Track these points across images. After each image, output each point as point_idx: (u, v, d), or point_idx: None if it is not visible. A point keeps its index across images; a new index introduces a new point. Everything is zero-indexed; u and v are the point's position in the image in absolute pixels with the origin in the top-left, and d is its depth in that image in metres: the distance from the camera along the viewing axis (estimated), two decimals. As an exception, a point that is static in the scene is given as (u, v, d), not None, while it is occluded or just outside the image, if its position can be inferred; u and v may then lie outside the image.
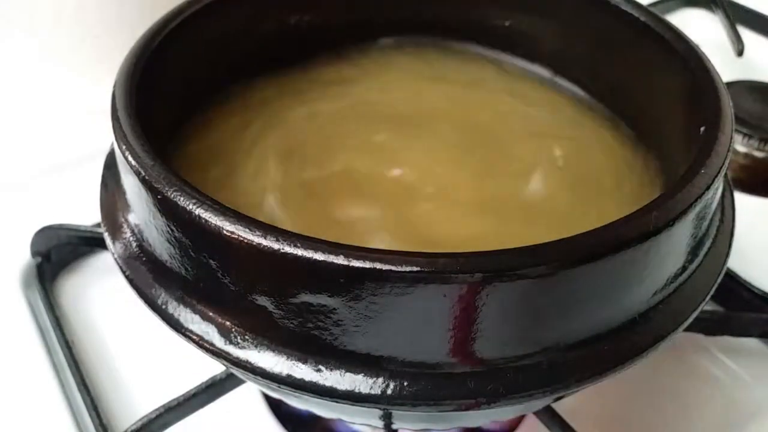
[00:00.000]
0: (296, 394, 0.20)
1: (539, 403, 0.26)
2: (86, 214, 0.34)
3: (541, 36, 0.33)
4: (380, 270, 0.18)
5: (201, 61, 0.30)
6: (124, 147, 0.22)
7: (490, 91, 0.32)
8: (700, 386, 0.33)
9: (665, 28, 0.28)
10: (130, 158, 0.21)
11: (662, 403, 0.32)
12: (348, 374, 0.20)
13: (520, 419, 0.32)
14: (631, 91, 0.30)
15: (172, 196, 0.20)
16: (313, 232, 0.19)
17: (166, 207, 0.20)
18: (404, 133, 0.29)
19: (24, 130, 0.45)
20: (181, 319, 0.21)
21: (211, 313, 0.21)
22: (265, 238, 0.18)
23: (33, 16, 0.44)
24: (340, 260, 0.18)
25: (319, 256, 0.18)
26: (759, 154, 0.42)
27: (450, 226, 0.25)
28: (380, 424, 0.24)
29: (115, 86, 0.24)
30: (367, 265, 0.18)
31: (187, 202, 0.20)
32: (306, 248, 0.18)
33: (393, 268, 0.18)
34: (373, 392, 0.20)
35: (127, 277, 0.23)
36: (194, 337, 0.21)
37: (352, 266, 0.18)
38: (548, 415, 0.28)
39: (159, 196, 0.20)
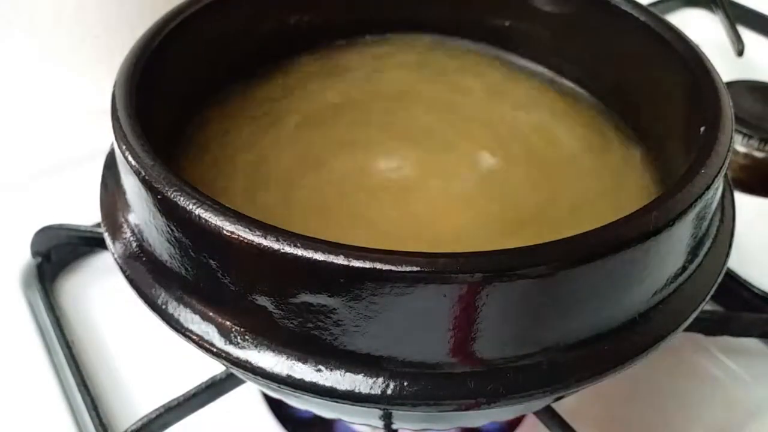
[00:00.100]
0: (296, 394, 0.20)
1: (539, 403, 0.26)
2: (86, 214, 0.34)
3: (540, 36, 0.33)
4: (380, 270, 0.18)
5: (201, 61, 0.30)
6: (124, 147, 0.22)
7: (489, 90, 0.32)
8: (700, 386, 0.33)
9: (665, 28, 0.28)
10: (130, 158, 0.21)
11: (662, 403, 0.32)
12: (348, 374, 0.20)
13: (520, 419, 0.32)
14: (631, 91, 0.30)
15: (172, 196, 0.20)
16: (312, 228, 0.19)
17: (166, 207, 0.20)
18: (402, 131, 0.30)
19: (24, 130, 0.45)
20: (181, 319, 0.21)
21: (211, 313, 0.21)
22: (265, 238, 0.18)
23: (33, 16, 0.44)
24: (340, 260, 0.18)
25: (319, 256, 0.18)
26: (759, 154, 0.42)
27: (447, 220, 0.25)
28: (380, 424, 0.24)
29: (115, 86, 0.24)
30: (367, 265, 0.18)
31: (187, 202, 0.20)
32: (306, 248, 0.18)
33: (393, 268, 0.18)
34: (373, 392, 0.20)
35: (127, 277, 0.23)
36: (194, 337, 0.21)
37: (352, 266, 0.18)
38: (548, 415, 0.28)
39: (159, 196, 0.20)
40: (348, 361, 0.20)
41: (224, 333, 0.21)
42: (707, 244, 0.23)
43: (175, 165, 0.27)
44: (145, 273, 0.22)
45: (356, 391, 0.20)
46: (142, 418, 0.28)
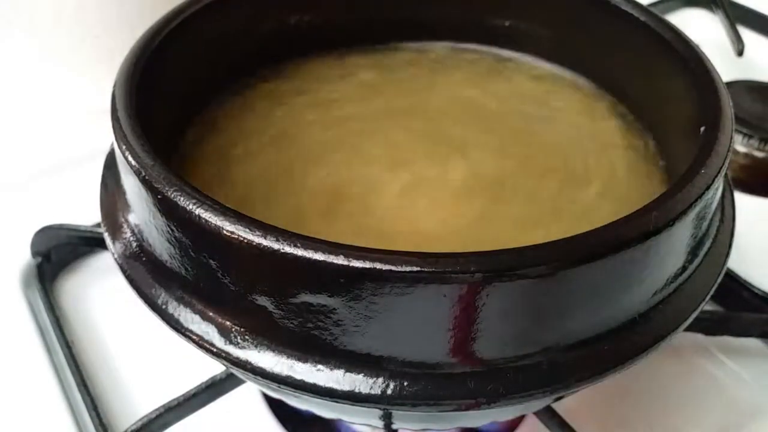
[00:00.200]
0: (296, 394, 0.20)
1: (539, 403, 0.26)
2: (86, 214, 0.34)
3: (540, 36, 0.33)
4: (380, 270, 0.18)
5: (201, 61, 0.30)
6: (124, 147, 0.22)
7: (489, 90, 0.32)
8: (700, 386, 0.33)
9: (665, 28, 0.28)
10: (130, 158, 0.21)
11: (662, 403, 0.32)
12: (348, 374, 0.20)
13: (520, 419, 0.32)
14: (631, 91, 0.30)
15: (172, 196, 0.20)
16: (314, 228, 0.19)
17: (166, 207, 0.20)
18: (408, 129, 0.30)
19: (24, 130, 0.45)
20: (181, 319, 0.21)
21: (211, 313, 0.21)
22: (265, 238, 0.18)
23: (33, 16, 0.44)
24: (340, 260, 0.18)
25: (319, 256, 0.18)
26: (759, 154, 0.42)
27: (447, 220, 0.25)
28: (380, 424, 0.24)
29: (115, 86, 0.24)
30: (367, 265, 0.18)
31: (187, 202, 0.20)
32: (306, 248, 0.18)
33: (393, 268, 0.18)
34: (373, 392, 0.20)
35: (127, 277, 0.23)
36: (194, 337, 0.21)
37: (352, 266, 0.18)
38: (548, 415, 0.28)
39: (159, 196, 0.20)
40: (348, 361, 0.20)
41: (224, 333, 0.21)
42: (707, 244, 0.23)
43: (175, 165, 0.27)
44: (145, 273, 0.22)
45: (356, 391, 0.20)
46: (142, 418, 0.28)
